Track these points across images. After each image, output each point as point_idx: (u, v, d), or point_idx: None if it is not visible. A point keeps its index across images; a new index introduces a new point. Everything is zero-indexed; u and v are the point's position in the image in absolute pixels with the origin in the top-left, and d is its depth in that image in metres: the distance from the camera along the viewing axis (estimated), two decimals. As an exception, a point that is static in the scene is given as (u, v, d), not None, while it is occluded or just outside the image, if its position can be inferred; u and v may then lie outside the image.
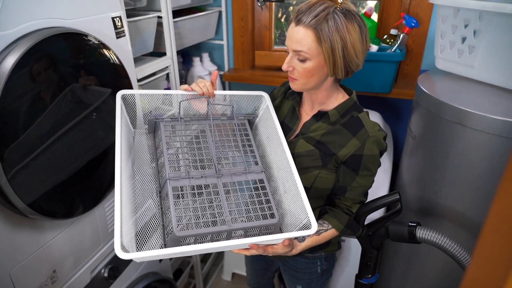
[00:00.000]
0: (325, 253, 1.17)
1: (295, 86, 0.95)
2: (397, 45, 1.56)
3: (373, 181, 1.00)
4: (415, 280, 1.43)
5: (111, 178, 1.10)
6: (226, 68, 1.94)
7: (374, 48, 1.58)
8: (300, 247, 0.95)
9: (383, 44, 1.62)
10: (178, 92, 0.97)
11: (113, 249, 1.20)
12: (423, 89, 1.22)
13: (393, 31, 1.61)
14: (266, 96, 1.05)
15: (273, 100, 1.10)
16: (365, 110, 1.01)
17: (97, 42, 0.98)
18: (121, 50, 1.10)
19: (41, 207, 0.86)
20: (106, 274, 1.18)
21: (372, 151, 0.94)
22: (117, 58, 1.06)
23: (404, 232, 1.04)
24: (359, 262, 1.22)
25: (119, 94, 0.92)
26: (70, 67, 0.91)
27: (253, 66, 1.95)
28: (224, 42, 1.90)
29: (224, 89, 1.96)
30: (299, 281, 1.24)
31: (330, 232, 1.00)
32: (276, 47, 1.97)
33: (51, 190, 0.88)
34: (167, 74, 1.46)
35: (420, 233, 1.02)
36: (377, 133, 0.94)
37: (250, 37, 1.87)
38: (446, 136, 1.13)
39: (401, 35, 1.55)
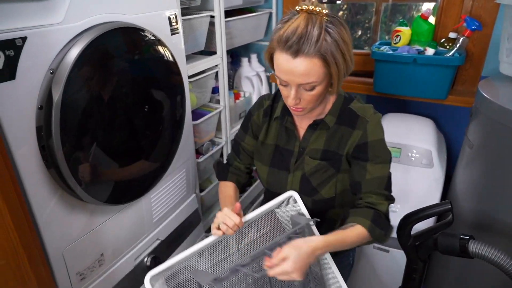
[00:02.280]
0: None
1: (301, 113, 0.88)
2: (455, 49, 1.47)
3: (389, 171, 0.90)
4: (465, 300, 1.33)
5: (158, 170, 1.14)
6: (273, 69, 1.94)
7: (430, 51, 1.50)
8: (321, 250, 0.79)
9: (440, 48, 1.54)
10: (207, 242, 0.84)
11: (156, 239, 1.25)
12: (485, 95, 1.13)
13: (452, 35, 1.52)
14: (295, 195, 0.92)
15: (256, 125, 1.02)
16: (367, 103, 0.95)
17: (153, 38, 1.02)
18: (175, 47, 1.13)
19: (95, 192, 0.90)
20: (148, 263, 1.22)
21: (376, 136, 0.88)
22: (171, 54, 1.09)
23: (455, 245, 0.97)
24: (403, 274, 1.16)
25: (147, 278, 0.78)
26: (127, 61, 0.96)
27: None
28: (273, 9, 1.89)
29: (270, 90, 1.96)
30: None
31: (356, 231, 0.85)
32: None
33: (105, 176, 0.93)
34: (216, 73, 1.49)
35: (474, 247, 0.94)
36: (373, 116, 0.90)
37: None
38: (510, 146, 1.05)
39: (461, 39, 1.47)
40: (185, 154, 1.29)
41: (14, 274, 0.68)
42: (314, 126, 0.94)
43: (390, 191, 0.91)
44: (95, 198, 0.90)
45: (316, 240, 0.79)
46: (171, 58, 1.09)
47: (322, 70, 0.78)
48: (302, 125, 0.97)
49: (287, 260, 0.73)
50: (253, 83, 1.82)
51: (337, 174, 0.93)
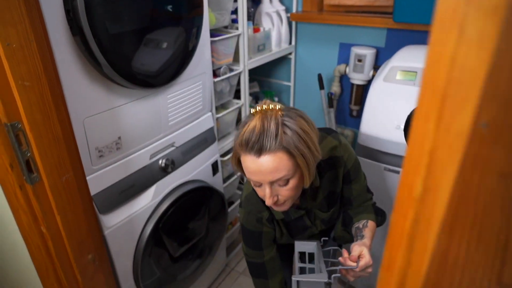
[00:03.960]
0: None
1: (285, 207, 0.88)
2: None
3: (363, 174, 1.06)
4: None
5: (176, 67, 1.17)
6: (294, 9, 1.96)
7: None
8: (369, 246, 0.94)
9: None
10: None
11: (172, 144, 1.32)
12: None
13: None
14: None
15: (270, 235, 1.02)
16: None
17: None
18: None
19: (115, 65, 0.96)
20: (163, 165, 1.29)
21: (351, 160, 1.00)
22: None
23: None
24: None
25: None
26: None
27: (321, 9, 1.94)
28: None
29: (290, 30, 1.98)
30: None
31: (372, 225, 1.03)
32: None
33: (125, 52, 0.99)
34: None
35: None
36: (340, 146, 0.98)
37: (321, -23, 1.87)
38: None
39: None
40: (202, 66, 1.34)
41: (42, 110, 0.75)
42: (303, 193, 0.97)
43: (368, 189, 1.10)
44: (114, 70, 0.96)
45: (367, 242, 0.94)
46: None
47: (290, 162, 0.78)
48: (292, 207, 1.01)
49: (364, 257, 0.87)
50: (273, 20, 1.85)
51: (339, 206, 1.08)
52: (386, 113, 1.38)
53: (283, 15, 1.90)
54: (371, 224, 1.02)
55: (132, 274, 1.26)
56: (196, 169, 1.45)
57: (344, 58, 1.90)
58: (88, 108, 0.98)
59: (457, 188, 0.25)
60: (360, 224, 1.02)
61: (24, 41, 0.68)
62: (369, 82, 1.78)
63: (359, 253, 0.88)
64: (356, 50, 1.75)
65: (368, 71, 1.76)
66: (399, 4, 1.50)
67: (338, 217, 1.12)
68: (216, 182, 1.61)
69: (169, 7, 1.09)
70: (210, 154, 1.53)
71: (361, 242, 0.93)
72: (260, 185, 0.82)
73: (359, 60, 1.75)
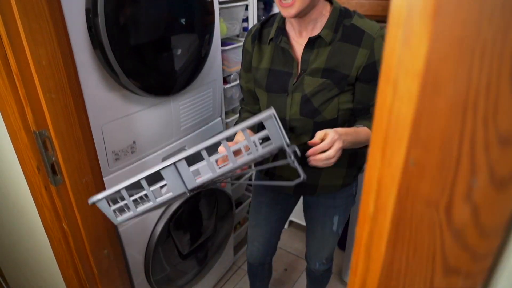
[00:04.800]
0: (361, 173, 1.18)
1: (292, 11, 0.84)
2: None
3: None
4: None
5: (188, 76, 1.25)
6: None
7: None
8: (345, 139, 0.83)
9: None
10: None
11: (183, 147, 1.40)
12: None
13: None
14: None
15: (248, 54, 1.04)
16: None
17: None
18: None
19: (132, 75, 1.05)
20: (174, 167, 1.37)
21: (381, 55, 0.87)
22: None
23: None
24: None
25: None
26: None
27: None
28: None
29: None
30: (336, 209, 1.19)
31: (366, 131, 0.91)
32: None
33: (141, 63, 1.07)
34: (246, 6, 1.60)
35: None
36: (380, 31, 0.88)
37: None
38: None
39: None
40: (213, 73, 1.42)
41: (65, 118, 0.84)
42: (311, 44, 0.91)
43: None
44: (130, 80, 1.04)
45: (340, 129, 0.84)
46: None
47: None
48: (298, 44, 0.96)
49: (332, 141, 0.78)
50: (284, 28, 1.91)
51: (339, 94, 0.92)
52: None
53: (294, 23, 1.96)
54: (364, 129, 0.91)
55: (143, 269, 1.35)
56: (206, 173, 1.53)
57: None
58: (106, 115, 1.07)
59: (397, 210, 0.32)
60: (355, 126, 0.94)
61: (52, 59, 0.77)
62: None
63: (321, 136, 0.81)
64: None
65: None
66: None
67: (318, 114, 0.95)
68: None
69: (183, 17, 1.17)
70: (220, 157, 1.60)
71: (332, 129, 0.83)
72: None
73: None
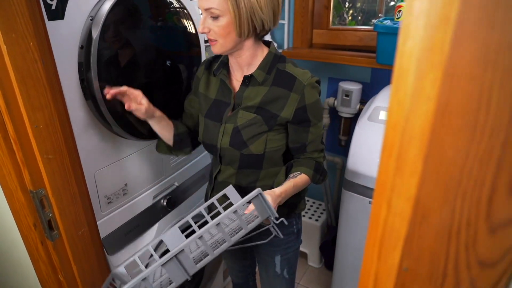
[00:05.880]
0: (298, 212, 1.16)
1: (215, 49, 0.92)
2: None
3: (323, 125, 1.03)
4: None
5: (174, 113, 1.28)
6: (285, 46, 2.08)
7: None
8: (280, 196, 0.91)
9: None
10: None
11: (173, 183, 1.42)
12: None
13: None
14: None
15: (197, 80, 1.10)
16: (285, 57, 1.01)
17: (179, 6, 1.18)
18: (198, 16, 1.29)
19: (123, 124, 1.07)
20: (165, 204, 1.39)
21: (313, 98, 0.95)
22: (194, 27, 1.26)
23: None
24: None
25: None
26: (151, 16, 1.12)
27: (311, 45, 2.07)
28: (286, 22, 2.04)
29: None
30: (277, 249, 1.18)
31: (303, 179, 0.99)
32: (333, 26, 2.07)
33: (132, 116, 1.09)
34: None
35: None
36: (310, 79, 0.95)
37: (310, 16, 2.00)
38: None
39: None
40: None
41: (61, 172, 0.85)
42: (245, 81, 0.99)
43: (323, 142, 1.06)
44: (121, 128, 1.07)
45: (277, 189, 0.92)
46: (193, 31, 1.26)
47: None
48: (235, 80, 1.03)
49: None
50: (266, 57, 1.97)
51: (268, 132, 0.98)
52: (370, 151, 1.49)
53: (275, 52, 2.02)
54: (302, 177, 0.99)
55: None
56: (194, 205, 1.55)
57: (332, 91, 2.03)
58: (99, 162, 1.09)
59: (393, 304, 0.36)
60: (292, 175, 1.00)
61: (49, 121, 0.79)
62: (356, 115, 1.90)
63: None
64: (343, 86, 1.87)
65: (355, 105, 1.88)
66: (381, 49, 1.63)
67: (245, 146, 0.99)
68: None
69: (171, 54, 1.20)
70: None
71: (270, 190, 0.90)
72: (201, 13, 0.90)
73: (346, 95, 1.87)
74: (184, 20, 1.23)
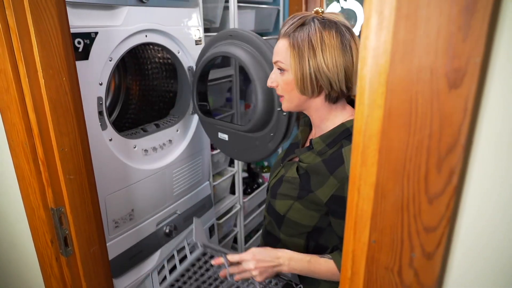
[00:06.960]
0: None
1: (283, 105, 0.88)
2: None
3: None
4: None
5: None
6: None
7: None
8: (279, 258, 0.84)
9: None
10: None
11: (175, 212, 1.50)
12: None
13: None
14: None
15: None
16: None
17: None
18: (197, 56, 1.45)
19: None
20: (167, 231, 1.47)
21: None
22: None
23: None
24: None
25: None
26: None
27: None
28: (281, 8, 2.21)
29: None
30: None
31: (328, 264, 0.85)
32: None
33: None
34: (230, 81, 1.80)
35: None
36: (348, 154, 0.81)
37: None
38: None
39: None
40: (201, 143, 1.57)
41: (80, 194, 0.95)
42: (310, 144, 0.90)
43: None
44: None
45: (281, 251, 0.85)
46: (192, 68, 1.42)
47: (287, 51, 0.81)
48: (313, 134, 0.97)
49: (251, 258, 0.83)
50: (262, 96, 2.13)
51: (295, 200, 0.89)
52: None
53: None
54: (328, 261, 0.84)
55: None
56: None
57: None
58: (109, 187, 1.18)
59: (366, 274, 0.46)
60: (320, 255, 0.87)
61: (73, 145, 0.90)
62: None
63: (250, 255, 0.84)
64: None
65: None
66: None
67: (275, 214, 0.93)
68: (213, 243, 1.77)
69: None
70: (208, 219, 1.71)
71: (274, 249, 0.86)
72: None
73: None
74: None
